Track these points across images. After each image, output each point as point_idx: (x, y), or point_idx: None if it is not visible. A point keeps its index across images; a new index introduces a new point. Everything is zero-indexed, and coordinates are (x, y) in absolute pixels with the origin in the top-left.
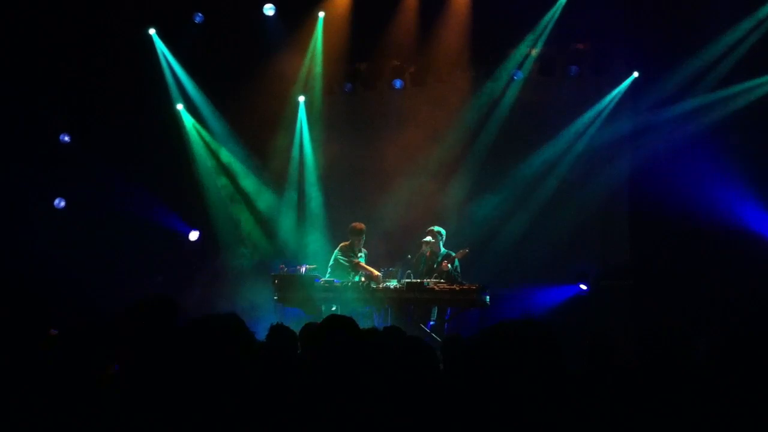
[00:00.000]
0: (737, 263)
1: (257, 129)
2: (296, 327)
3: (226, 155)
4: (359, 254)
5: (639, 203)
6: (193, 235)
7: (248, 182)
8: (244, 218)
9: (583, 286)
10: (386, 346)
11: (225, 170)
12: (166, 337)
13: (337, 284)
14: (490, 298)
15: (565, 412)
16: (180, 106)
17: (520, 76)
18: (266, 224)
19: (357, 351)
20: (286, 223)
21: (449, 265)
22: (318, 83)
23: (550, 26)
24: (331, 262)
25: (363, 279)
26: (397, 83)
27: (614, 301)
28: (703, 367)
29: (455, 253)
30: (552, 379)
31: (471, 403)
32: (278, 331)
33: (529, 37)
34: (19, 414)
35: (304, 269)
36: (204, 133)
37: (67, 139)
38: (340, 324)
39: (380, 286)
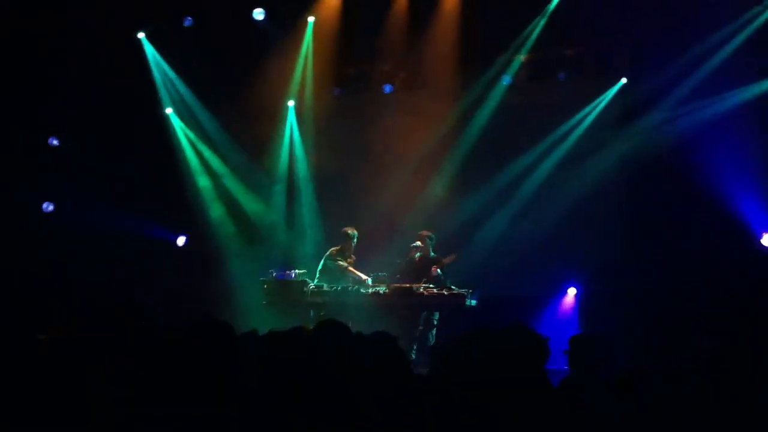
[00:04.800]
0: (730, 265)
1: (247, 133)
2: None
3: (215, 159)
4: (348, 259)
5: (629, 205)
6: (180, 241)
7: (238, 186)
8: (233, 222)
9: (573, 290)
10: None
11: (214, 174)
12: (149, 340)
13: (327, 289)
14: (478, 303)
15: (548, 418)
16: (169, 110)
17: (508, 81)
18: (256, 228)
19: (347, 356)
20: (276, 227)
21: (438, 270)
22: (308, 88)
23: (538, 31)
24: (320, 267)
25: (352, 284)
26: (387, 88)
27: (604, 303)
28: (697, 369)
29: (444, 258)
30: (534, 384)
31: (453, 409)
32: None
33: (518, 42)
34: (16, 415)
35: (293, 274)
36: (193, 136)
37: (55, 142)
38: (333, 330)
39: (369, 290)
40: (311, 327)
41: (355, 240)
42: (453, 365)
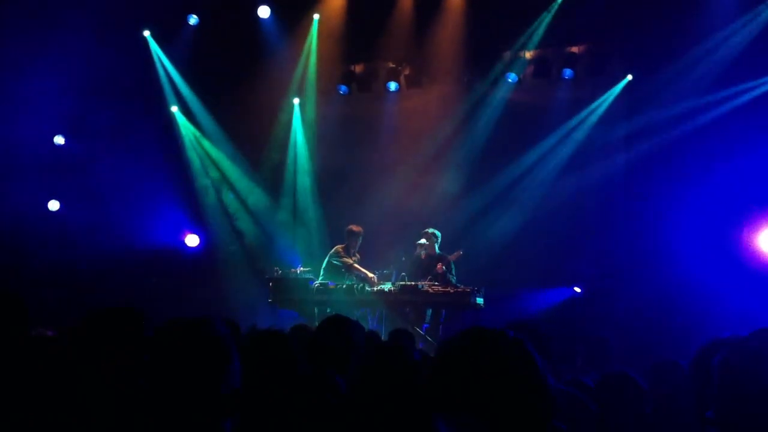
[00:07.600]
0: (732, 264)
1: (252, 131)
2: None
3: (220, 157)
4: (353, 257)
5: (633, 204)
6: (193, 240)
7: (243, 184)
8: (239, 221)
9: (577, 289)
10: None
11: (219, 172)
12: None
13: (332, 286)
14: (484, 300)
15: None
16: (174, 108)
17: (514, 78)
18: (261, 226)
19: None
20: (280, 225)
21: (443, 267)
22: (313, 85)
23: (544, 29)
24: (324, 264)
25: (357, 281)
26: (392, 85)
27: (608, 303)
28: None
29: (449, 255)
30: (530, 387)
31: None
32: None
33: (524, 40)
34: (13, 415)
35: (298, 271)
36: (199, 134)
37: (61, 141)
38: (343, 324)
39: (374, 288)
40: (315, 325)
41: (360, 237)
42: (451, 362)
